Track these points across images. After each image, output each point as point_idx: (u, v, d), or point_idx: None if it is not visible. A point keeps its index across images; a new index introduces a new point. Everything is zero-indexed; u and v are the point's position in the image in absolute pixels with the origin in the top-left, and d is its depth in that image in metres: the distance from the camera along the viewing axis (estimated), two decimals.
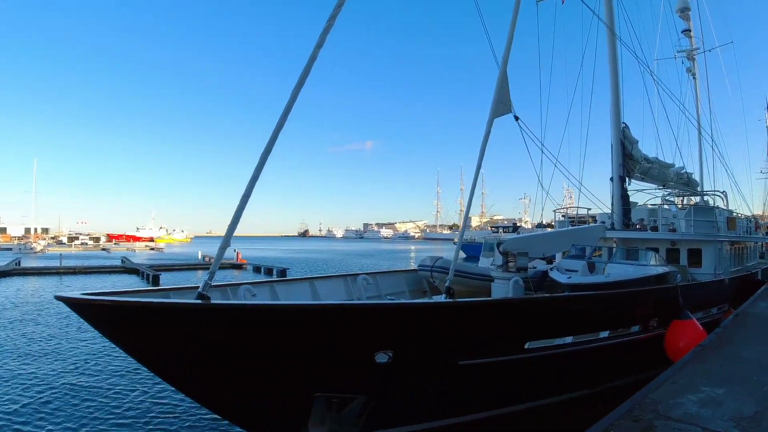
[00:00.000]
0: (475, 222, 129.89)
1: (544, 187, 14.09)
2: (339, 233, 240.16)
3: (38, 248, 69.76)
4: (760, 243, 23.87)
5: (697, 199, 23.92)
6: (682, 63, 25.79)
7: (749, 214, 27.48)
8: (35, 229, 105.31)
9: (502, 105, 9.85)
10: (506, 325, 7.51)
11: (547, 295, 9.37)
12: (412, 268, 13.71)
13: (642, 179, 16.94)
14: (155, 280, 34.35)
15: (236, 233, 6.20)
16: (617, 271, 10.22)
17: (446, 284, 8.81)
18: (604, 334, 9.04)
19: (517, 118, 10.35)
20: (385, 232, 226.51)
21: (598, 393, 9.05)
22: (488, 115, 9.55)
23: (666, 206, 16.16)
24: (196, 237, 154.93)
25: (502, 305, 7.59)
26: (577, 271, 10.89)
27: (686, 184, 19.92)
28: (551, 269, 10.77)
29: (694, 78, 26.40)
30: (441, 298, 9.04)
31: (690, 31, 25.86)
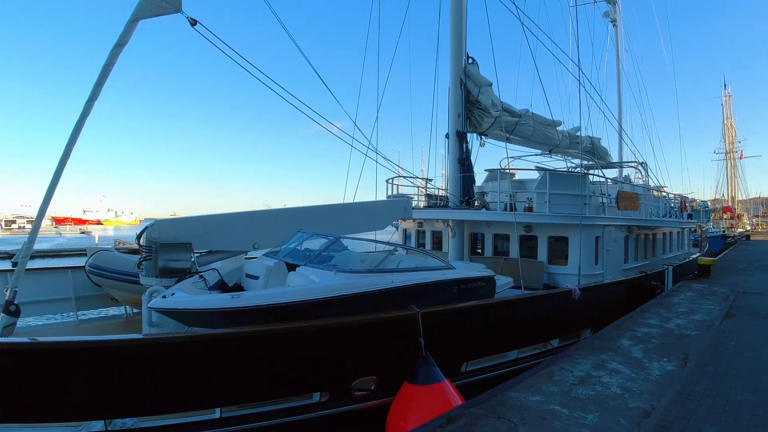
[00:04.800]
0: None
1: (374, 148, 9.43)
2: None
3: None
4: (689, 229, 19.45)
5: (615, 173, 19.52)
6: (595, 5, 20.60)
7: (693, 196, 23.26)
8: None
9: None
10: None
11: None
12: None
13: (508, 139, 12.24)
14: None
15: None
16: (300, 283, 5.58)
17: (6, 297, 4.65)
18: (214, 414, 4.47)
19: (193, 23, 5.98)
20: None
21: None
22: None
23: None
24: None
25: None
26: (257, 278, 6.33)
27: (590, 152, 15.34)
28: (203, 272, 6.19)
29: (614, 26, 21.52)
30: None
31: None
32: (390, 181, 11.55)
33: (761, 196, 74.67)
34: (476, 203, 10.19)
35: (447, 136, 10.85)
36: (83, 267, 8.21)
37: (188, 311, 4.97)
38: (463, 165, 10.53)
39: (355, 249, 7.48)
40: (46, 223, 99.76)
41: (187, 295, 5.30)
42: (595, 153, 15.61)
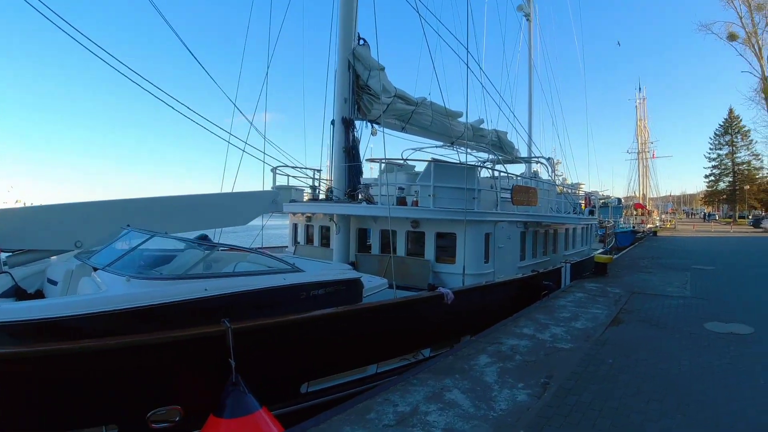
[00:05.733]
0: None
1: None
2: None
3: None
4: (595, 224, 19.85)
5: (523, 169, 19.55)
6: None
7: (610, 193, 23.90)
8: None
9: None
10: None
11: None
12: None
13: (404, 129, 11.58)
14: None
15: None
16: (88, 290, 4.59)
17: None
18: None
19: None
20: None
21: None
22: None
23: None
24: None
25: None
26: (57, 283, 5.29)
27: (495, 146, 15.06)
28: None
29: (528, 21, 21.68)
30: None
31: None
32: (274, 170, 10.50)
33: (672, 194, 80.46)
34: (359, 196, 9.39)
35: (332, 122, 9.97)
36: None
37: None
38: (349, 154, 9.69)
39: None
40: None
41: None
42: (501, 147, 15.38)
